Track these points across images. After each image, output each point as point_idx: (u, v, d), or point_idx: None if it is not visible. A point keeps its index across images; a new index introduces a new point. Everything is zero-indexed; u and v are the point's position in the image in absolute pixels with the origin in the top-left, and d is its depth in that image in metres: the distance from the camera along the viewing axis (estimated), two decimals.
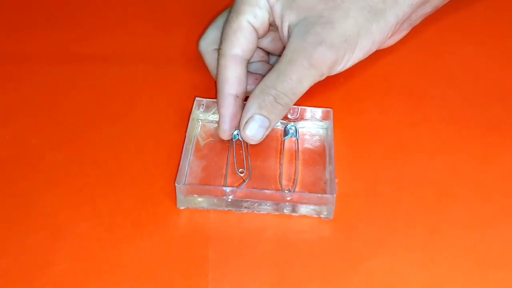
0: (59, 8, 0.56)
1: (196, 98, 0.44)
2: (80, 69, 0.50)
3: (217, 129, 0.42)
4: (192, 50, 0.48)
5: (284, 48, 0.41)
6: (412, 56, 0.51)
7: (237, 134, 0.42)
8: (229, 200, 0.39)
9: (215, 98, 0.42)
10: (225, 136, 0.42)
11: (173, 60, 0.50)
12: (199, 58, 0.46)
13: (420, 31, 0.53)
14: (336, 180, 0.39)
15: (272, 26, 0.43)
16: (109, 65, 0.50)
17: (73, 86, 0.48)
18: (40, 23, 0.54)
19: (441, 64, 0.51)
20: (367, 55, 0.42)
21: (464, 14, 0.56)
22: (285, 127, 0.44)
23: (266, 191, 0.39)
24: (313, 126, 0.44)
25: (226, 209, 0.39)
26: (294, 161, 0.42)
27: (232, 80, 0.41)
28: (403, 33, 0.46)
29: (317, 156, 0.42)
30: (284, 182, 0.41)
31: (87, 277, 0.36)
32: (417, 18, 0.45)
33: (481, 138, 0.45)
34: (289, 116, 0.44)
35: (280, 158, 0.42)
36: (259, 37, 0.43)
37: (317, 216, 0.39)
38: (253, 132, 0.39)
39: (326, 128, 0.44)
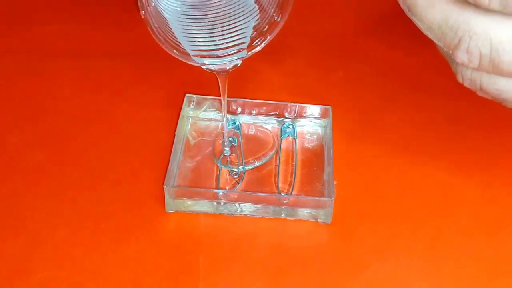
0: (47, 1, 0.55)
1: (187, 94, 0.43)
2: (63, 64, 0.48)
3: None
4: None
5: None
6: (414, 52, 0.50)
7: (231, 140, 0.42)
8: (222, 203, 0.38)
9: (206, 94, 0.41)
10: None
11: (162, 55, 0.48)
12: None
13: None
14: (335, 182, 0.38)
15: None
16: (94, 60, 0.49)
17: (55, 82, 0.47)
18: (25, 16, 0.53)
19: (444, 61, 0.50)
20: None
21: None
22: (282, 125, 0.43)
23: (261, 194, 0.38)
24: (311, 124, 0.43)
25: (218, 212, 0.38)
26: (291, 162, 0.41)
27: None
28: None
29: (315, 157, 0.41)
30: (280, 185, 0.40)
31: (69, 286, 0.35)
32: None
33: (487, 137, 0.44)
34: (286, 114, 0.43)
35: (276, 158, 0.41)
36: None
37: (314, 220, 0.38)
38: None
39: (324, 127, 0.43)
